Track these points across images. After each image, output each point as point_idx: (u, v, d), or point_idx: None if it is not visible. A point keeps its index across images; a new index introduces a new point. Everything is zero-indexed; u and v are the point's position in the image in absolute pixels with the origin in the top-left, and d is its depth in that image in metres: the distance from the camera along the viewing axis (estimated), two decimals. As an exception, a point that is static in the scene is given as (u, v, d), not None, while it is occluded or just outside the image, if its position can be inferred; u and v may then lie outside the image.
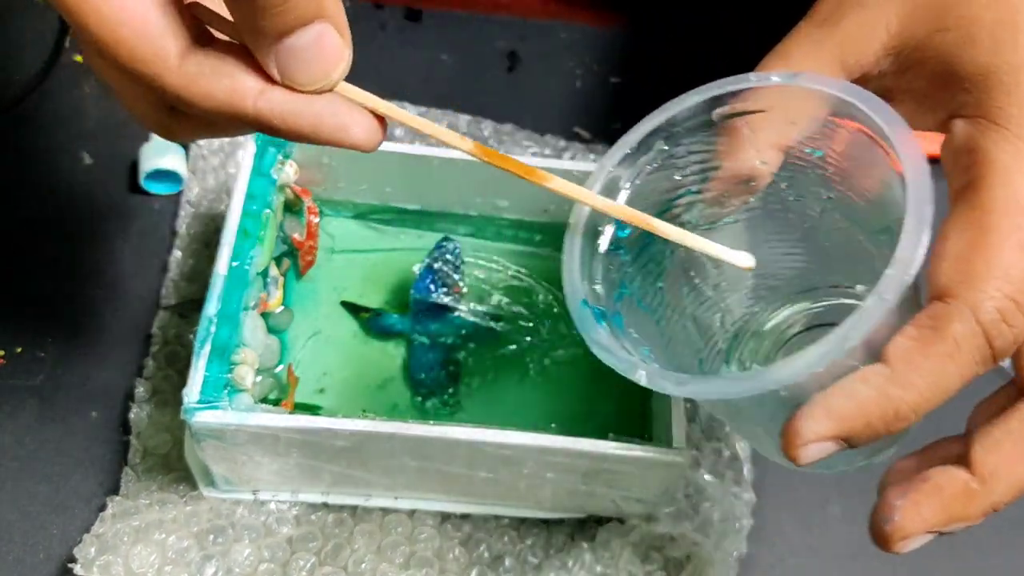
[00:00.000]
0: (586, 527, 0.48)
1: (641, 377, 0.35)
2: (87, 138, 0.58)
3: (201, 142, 0.57)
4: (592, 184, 0.39)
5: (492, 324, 0.51)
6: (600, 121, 0.62)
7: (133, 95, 0.34)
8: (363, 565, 0.46)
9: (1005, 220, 0.31)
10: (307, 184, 0.53)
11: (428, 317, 0.51)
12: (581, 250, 0.39)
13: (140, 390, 0.50)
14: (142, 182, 0.55)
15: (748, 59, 0.61)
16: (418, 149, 0.51)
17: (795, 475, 0.51)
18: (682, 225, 0.39)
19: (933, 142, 0.35)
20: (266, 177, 0.50)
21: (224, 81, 0.30)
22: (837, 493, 0.51)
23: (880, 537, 0.33)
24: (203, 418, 0.42)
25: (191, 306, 0.52)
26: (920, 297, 0.34)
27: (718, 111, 0.38)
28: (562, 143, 0.59)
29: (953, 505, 0.32)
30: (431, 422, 0.46)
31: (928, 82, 0.35)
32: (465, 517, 0.48)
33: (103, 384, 0.51)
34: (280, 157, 0.50)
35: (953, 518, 0.32)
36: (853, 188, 0.38)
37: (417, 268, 0.51)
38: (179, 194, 0.56)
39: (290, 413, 0.44)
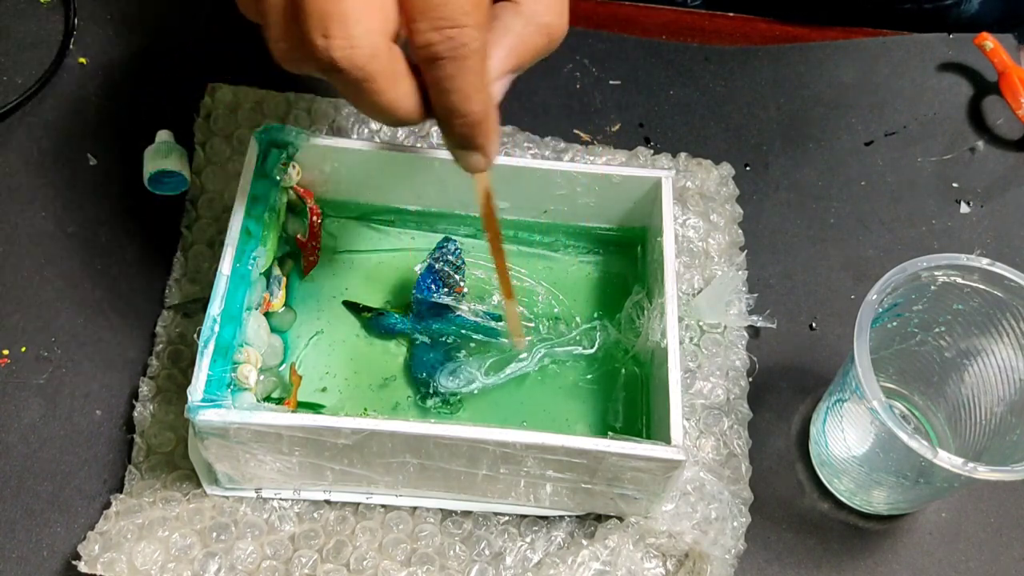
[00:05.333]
0: (586, 524, 0.49)
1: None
2: (92, 139, 0.58)
3: (206, 145, 0.57)
4: None
5: (493, 324, 0.52)
6: (599, 123, 0.62)
7: (284, 24, 0.35)
8: (365, 562, 0.47)
9: None
10: (309, 185, 0.53)
11: (429, 317, 0.51)
12: None
13: (144, 389, 0.51)
14: (146, 183, 0.56)
15: (748, 57, 0.62)
16: (419, 151, 0.52)
17: (793, 474, 0.52)
18: None
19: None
20: (269, 178, 0.50)
21: (399, 88, 0.36)
22: (835, 492, 0.51)
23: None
24: (206, 416, 0.42)
25: (195, 306, 0.53)
26: None
27: None
28: (561, 145, 0.60)
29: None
30: (432, 421, 0.47)
31: None
32: (466, 514, 0.48)
33: (107, 383, 0.51)
34: (283, 159, 0.51)
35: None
36: None
37: (418, 268, 0.51)
38: (183, 195, 0.57)
39: (293, 412, 0.45)
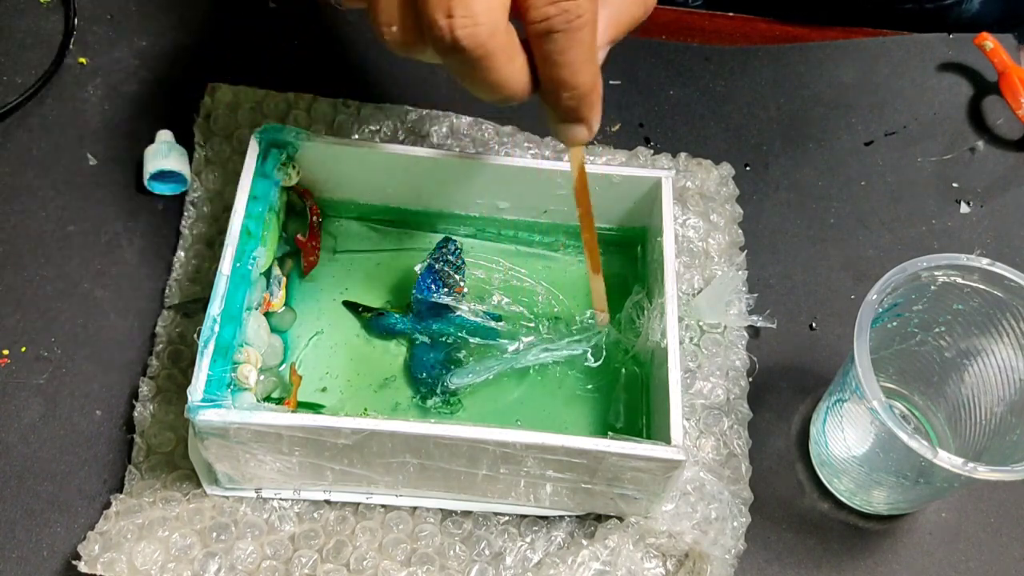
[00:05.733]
0: (586, 524, 0.49)
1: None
2: (92, 139, 0.59)
3: (206, 146, 0.57)
4: None
5: (493, 324, 0.52)
6: (599, 123, 0.62)
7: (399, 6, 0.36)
8: (365, 562, 0.47)
9: None
10: (309, 185, 0.53)
11: (429, 317, 0.51)
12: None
13: (144, 389, 0.51)
14: (146, 183, 0.56)
15: (748, 57, 0.62)
16: (419, 151, 0.52)
17: (793, 474, 0.52)
18: None
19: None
20: (269, 178, 0.50)
21: (514, 64, 0.36)
22: (835, 492, 0.51)
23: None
24: (207, 416, 0.42)
25: (195, 306, 0.53)
26: None
27: None
28: (562, 145, 0.59)
29: None
30: (432, 421, 0.47)
31: None
32: (466, 514, 0.49)
33: (107, 383, 0.51)
34: (283, 159, 0.51)
35: None
36: None
37: (418, 268, 0.51)
38: (183, 195, 0.57)
39: (293, 412, 0.45)
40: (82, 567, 0.45)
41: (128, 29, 0.63)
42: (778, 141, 0.62)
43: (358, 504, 0.48)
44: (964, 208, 0.60)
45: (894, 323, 0.49)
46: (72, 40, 0.62)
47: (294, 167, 0.51)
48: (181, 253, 0.55)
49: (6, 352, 0.52)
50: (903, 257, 0.46)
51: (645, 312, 0.50)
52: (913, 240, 0.59)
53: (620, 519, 0.48)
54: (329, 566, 0.47)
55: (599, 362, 0.52)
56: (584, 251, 0.47)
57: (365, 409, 0.50)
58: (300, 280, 0.54)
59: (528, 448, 0.43)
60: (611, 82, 0.63)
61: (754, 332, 0.55)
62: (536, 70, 0.37)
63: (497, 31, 0.35)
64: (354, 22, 0.64)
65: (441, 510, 0.48)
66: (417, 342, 0.52)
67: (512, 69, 0.36)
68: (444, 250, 0.52)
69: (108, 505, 0.48)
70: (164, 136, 0.57)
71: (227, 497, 0.48)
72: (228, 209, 0.50)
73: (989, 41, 0.62)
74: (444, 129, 0.59)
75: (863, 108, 0.63)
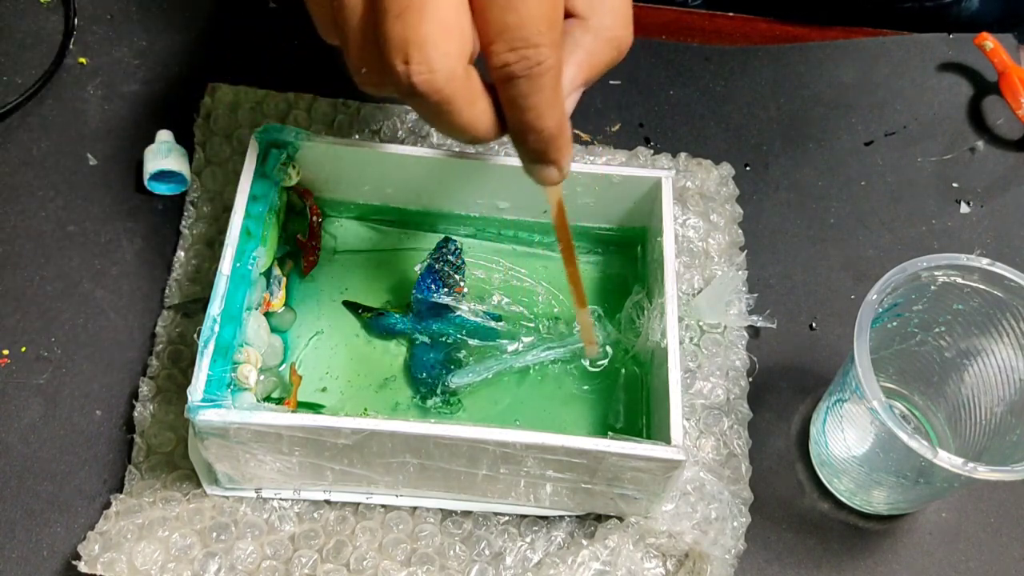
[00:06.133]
0: (586, 524, 0.49)
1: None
2: (91, 139, 0.59)
3: (206, 145, 0.57)
4: None
5: (493, 324, 0.52)
6: (599, 123, 0.62)
7: (362, 42, 0.36)
8: (365, 562, 0.47)
9: None
10: (309, 185, 0.53)
11: (429, 317, 0.51)
12: None
13: (144, 389, 0.51)
14: (146, 183, 0.56)
15: (748, 57, 0.62)
16: (419, 151, 0.52)
17: (793, 474, 0.52)
18: None
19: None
20: (269, 178, 0.50)
21: (476, 108, 0.36)
22: (835, 492, 0.51)
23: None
24: (206, 416, 0.42)
25: (195, 306, 0.53)
26: None
27: None
28: (562, 145, 0.60)
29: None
30: (432, 421, 0.47)
31: None
32: (466, 514, 0.49)
33: (107, 383, 0.51)
34: (283, 159, 0.51)
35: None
36: None
37: (418, 268, 0.51)
38: (183, 195, 0.57)
39: (293, 412, 0.45)
40: (82, 567, 0.45)
41: (128, 29, 0.63)
42: (778, 141, 0.62)
43: (358, 504, 0.48)
44: (964, 208, 0.60)
45: (894, 323, 0.49)
46: (72, 40, 0.62)
47: (294, 167, 0.51)
48: (181, 253, 0.55)
49: (6, 352, 0.52)
50: (903, 257, 0.46)
51: (645, 312, 0.50)
52: (913, 240, 0.59)
53: (620, 519, 0.48)
54: (329, 566, 0.47)
55: (600, 363, 0.52)
56: (569, 285, 0.47)
57: (365, 409, 0.50)
58: (300, 280, 0.54)
59: (528, 448, 0.43)
60: (611, 82, 0.63)
61: (754, 332, 0.55)
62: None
63: (455, 76, 0.35)
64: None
65: (441, 510, 0.48)
66: (417, 342, 0.52)
67: (474, 113, 0.36)
68: (444, 250, 0.52)
69: (108, 505, 0.48)
70: (164, 136, 0.57)
71: (227, 497, 0.48)
72: (228, 209, 0.50)
73: (989, 41, 0.62)
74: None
75: (863, 108, 0.63)
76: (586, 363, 0.52)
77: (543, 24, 0.35)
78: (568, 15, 0.38)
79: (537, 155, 0.39)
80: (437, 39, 0.34)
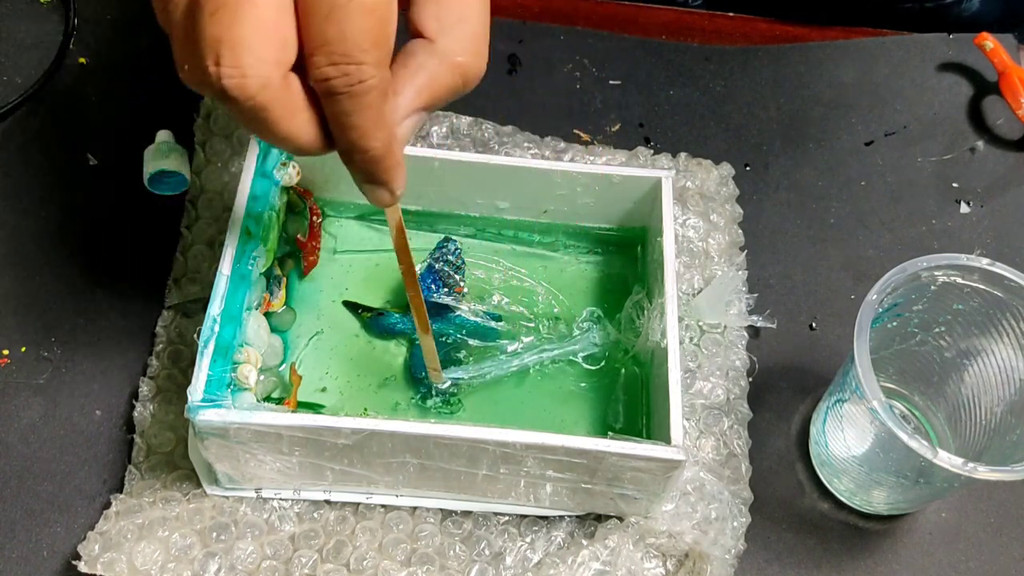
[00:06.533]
0: (586, 524, 0.49)
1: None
2: (92, 139, 0.59)
3: (206, 145, 0.57)
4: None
5: (493, 324, 0.52)
6: (599, 123, 0.62)
7: (185, 39, 0.34)
8: (365, 562, 0.47)
9: None
10: (309, 185, 0.53)
11: (429, 316, 0.51)
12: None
13: (144, 389, 0.51)
14: (146, 183, 0.56)
15: (748, 57, 0.62)
16: (419, 150, 0.52)
17: (793, 474, 0.52)
18: None
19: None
20: (269, 178, 0.50)
21: (296, 120, 0.35)
22: (835, 492, 0.51)
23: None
24: (206, 416, 0.42)
25: (195, 306, 0.53)
26: None
27: None
28: (561, 145, 0.60)
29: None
30: (432, 421, 0.47)
31: None
32: (466, 514, 0.49)
33: (107, 383, 0.51)
34: (283, 159, 0.51)
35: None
36: None
37: (418, 268, 0.51)
38: (183, 195, 0.57)
39: (293, 412, 0.45)
40: (82, 567, 0.45)
41: (128, 29, 0.63)
42: (778, 141, 0.62)
43: (358, 504, 0.48)
44: (964, 208, 0.60)
45: (894, 323, 0.49)
46: (72, 40, 0.62)
47: (294, 167, 0.51)
48: (181, 253, 0.55)
49: (6, 352, 0.52)
50: (903, 257, 0.46)
51: (645, 312, 0.50)
52: (913, 240, 0.59)
53: (620, 519, 0.48)
54: (329, 566, 0.47)
55: (601, 364, 0.52)
56: (411, 311, 0.46)
57: (365, 409, 0.50)
58: (300, 280, 0.54)
59: (528, 448, 0.43)
60: (611, 82, 0.64)
61: (754, 332, 0.55)
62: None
63: (269, 84, 0.33)
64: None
65: (441, 510, 0.48)
66: (417, 342, 0.52)
67: (294, 124, 0.35)
68: (444, 250, 0.52)
69: (108, 505, 0.48)
70: (164, 136, 0.57)
71: (227, 497, 0.48)
72: (228, 209, 0.50)
73: (989, 41, 0.62)
74: (444, 129, 0.59)
75: (863, 108, 0.64)
76: (580, 359, 0.52)
77: (367, 41, 0.33)
78: (417, 35, 0.37)
79: (365, 175, 0.37)
80: (251, 42, 0.32)
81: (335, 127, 0.35)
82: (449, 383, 0.50)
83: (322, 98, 0.34)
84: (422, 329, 0.47)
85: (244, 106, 0.33)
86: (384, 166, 0.37)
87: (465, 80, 0.38)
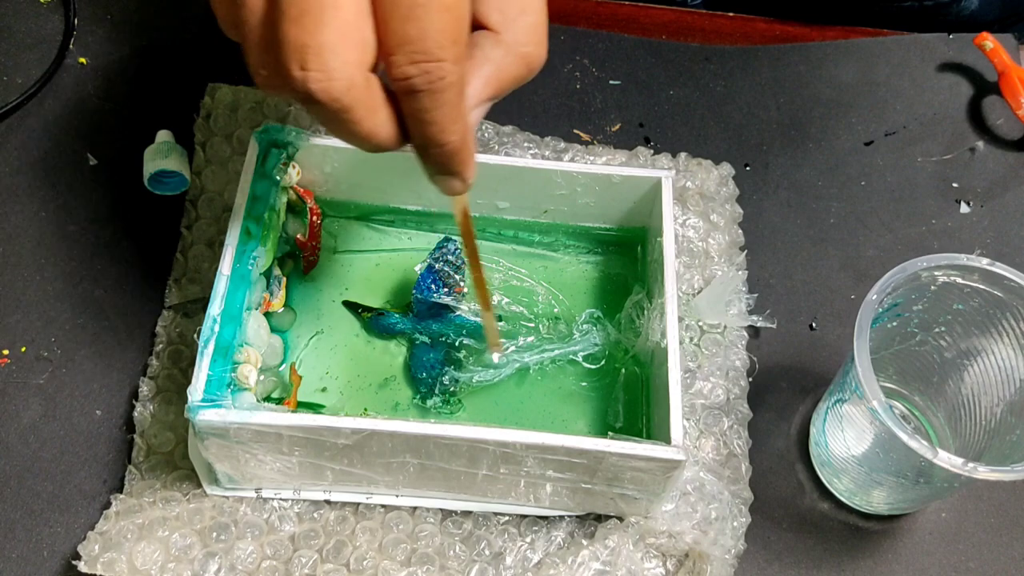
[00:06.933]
0: (586, 524, 0.49)
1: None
2: (91, 139, 0.59)
3: (206, 145, 0.57)
4: None
5: (493, 324, 0.52)
6: (599, 123, 0.62)
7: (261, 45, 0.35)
8: (365, 562, 0.47)
9: None
10: (309, 185, 0.53)
11: (429, 317, 0.51)
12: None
13: (144, 389, 0.51)
14: (146, 183, 0.56)
15: (748, 57, 0.62)
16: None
17: (793, 474, 0.52)
18: None
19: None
20: (269, 178, 0.50)
21: (377, 117, 0.35)
22: (835, 492, 0.51)
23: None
24: (206, 416, 0.42)
25: (195, 306, 0.53)
26: None
27: None
28: (561, 145, 0.60)
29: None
30: (432, 421, 0.47)
31: None
32: (466, 514, 0.49)
33: (107, 383, 0.51)
34: (283, 159, 0.51)
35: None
36: None
37: (418, 268, 0.51)
38: (183, 195, 0.57)
39: (293, 412, 0.45)
40: (82, 567, 0.45)
41: (128, 29, 0.63)
42: (778, 141, 0.62)
43: (358, 504, 0.48)
44: (964, 208, 0.60)
45: (894, 323, 0.49)
46: (72, 40, 0.62)
47: (294, 167, 0.51)
48: (181, 253, 0.55)
49: (6, 352, 0.52)
50: (903, 257, 0.46)
51: (645, 312, 0.50)
52: (913, 240, 0.59)
53: (620, 519, 0.48)
54: (329, 566, 0.47)
55: (600, 363, 0.52)
56: (475, 291, 0.47)
57: (365, 409, 0.50)
58: (300, 280, 0.54)
59: (528, 448, 0.43)
60: (611, 82, 0.64)
61: (754, 332, 0.55)
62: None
63: (354, 85, 0.34)
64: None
65: (441, 510, 0.48)
66: (417, 342, 0.52)
67: (375, 122, 0.36)
68: (444, 250, 0.52)
69: (108, 505, 0.48)
70: (164, 136, 0.57)
71: (227, 497, 0.48)
72: (228, 209, 0.50)
73: (989, 41, 0.62)
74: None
75: (863, 108, 0.64)
76: (580, 359, 0.52)
77: (446, 38, 0.34)
78: (481, 27, 0.37)
79: (440, 167, 0.38)
80: (336, 46, 0.33)
81: (413, 123, 0.36)
82: (509, 350, 0.51)
83: (401, 96, 0.35)
84: (485, 307, 0.48)
85: (329, 108, 0.34)
86: (460, 158, 0.38)
87: (530, 69, 0.39)
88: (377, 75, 0.35)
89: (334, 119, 0.35)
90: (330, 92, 0.34)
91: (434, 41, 0.33)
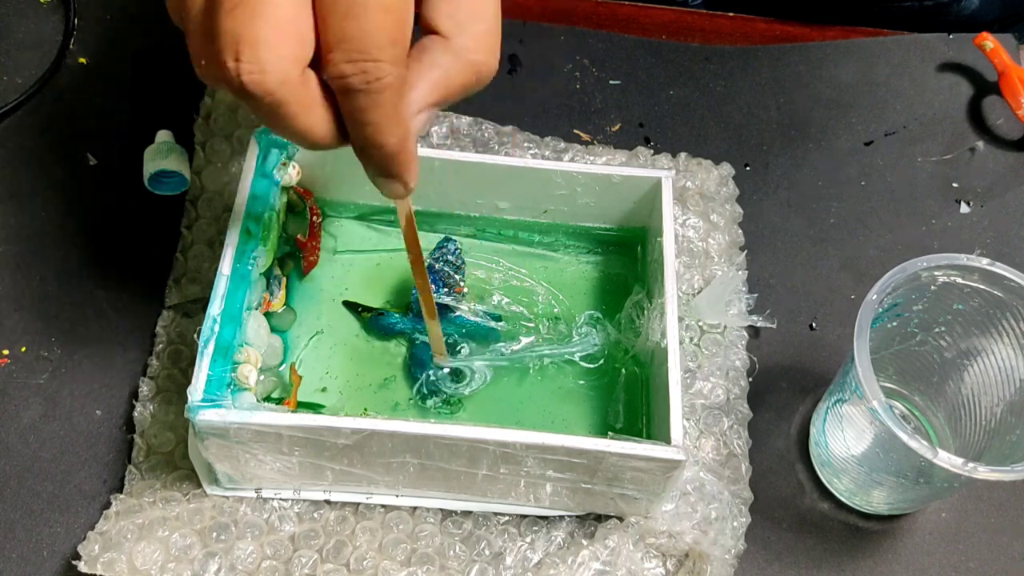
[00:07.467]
0: (586, 524, 0.49)
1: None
2: (91, 139, 0.59)
3: (206, 145, 0.57)
4: None
5: (493, 324, 0.52)
6: (599, 123, 0.62)
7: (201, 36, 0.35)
8: (365, 562, 0.47)
9: None
10: (309, 185, 0.53)
11: (429, 317, 0.51)
12: None
13: (144, 389, 0.51)
14: (146, 183, 0.56)
15: (748, 57, 0.62)
16: (419, 151, 0.51)
17: (793, 474, 0.52)
18: None
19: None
20: (269, 178, 0.50)
21: (313, 115, 0.35)
22: (835, 492, 0.51)
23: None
24: (206, 416, 0.42)
25: (195, 306, 0.53)
26: None
27: None
28: (561, 145, 0.60)
29: None
30: (432, 421, 0.47)
31: None
32: (466, 514, 0.49)
33: (107, 383, 0.51)
34: (283, 158, 0.51)
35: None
36: None
37: (418, 268, 0.51)
38: (183, 195, 0.57)
39: (293, 412, 0.45)
40: (82, 567, 0.45)
41: (128, 29, 0.63)
42: (778, 141, 0.62)
43: (358, 504, 0.48)
44: (964, 208, 0.60)
45: (894, 323, 0.49)
46: (72, 40, 0.62)
47: (294, 167, 0.51)
48: (181, 253, 0.55)
49: (6, 352, 0.52)
50: (903, 257, 0.46)
51: (645, 312, 0.50)
52: (913, 240, 0.59)
53: (620, 519, 0.48)
54: (329, 566, 0.47)
55: (599, 363, 0.52)
56: (420, 298, 0.47)
57: (365, 409, 0.50)
58: (300, 280, 0.54)
59: (528, 448, 0.43)
60: (611, 82, 0.64)
61: (754, 332, 0.55)
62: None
63: (287, 80, 0.33)
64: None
65: (441, 510, 0.48)
66: (417, 342, 0.52)
67: (311, 119, 0.35)
68: (444, 250, 0.52)
69: (108, 505, 0.48)
70: (164, 136, 0.57)
71: (227, 497, 0.48)
72: (228, 209, 0.50)
73: (989, 41, 0.62)
74: (444, 129, 0.59)
75: (863, 108, 0.64)
76: (579, 359, 0.52)
77: (384, 39, 0.33)
78: (431, 32, 0.37)
79: (379, 170, 0.38)
80: (270, 39, 0.33)
81: (351, 123, 0.36)
82: (460, 356, 0.51)
83: (338, 94, 0.35)
84: (429, 315, 0.47)
85: (262, 102, 0.34)
86: (398, 160, 0.37)
87: (479, 77, 0.38)
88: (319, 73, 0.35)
89: (268, 113, 0.34)
90: (263, 85, 0.33)
91: (372, 41, 0.33)
